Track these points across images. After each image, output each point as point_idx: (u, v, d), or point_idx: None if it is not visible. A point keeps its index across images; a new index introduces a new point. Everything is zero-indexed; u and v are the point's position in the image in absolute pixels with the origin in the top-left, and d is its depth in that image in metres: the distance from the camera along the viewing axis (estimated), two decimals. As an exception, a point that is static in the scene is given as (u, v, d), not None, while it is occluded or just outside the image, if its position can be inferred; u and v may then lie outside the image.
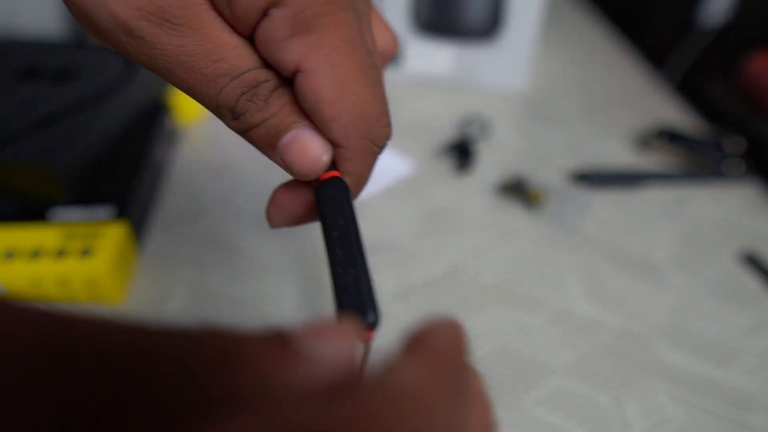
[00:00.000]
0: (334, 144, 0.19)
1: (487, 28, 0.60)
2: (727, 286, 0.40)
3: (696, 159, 0.52)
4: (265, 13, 0.17)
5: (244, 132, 0.19)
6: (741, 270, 0.42)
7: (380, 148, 0.20)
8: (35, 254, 0.35)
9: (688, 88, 0.86)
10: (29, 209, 0.38)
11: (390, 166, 0.50)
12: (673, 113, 0.62)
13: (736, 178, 0.51)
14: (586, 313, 0.37)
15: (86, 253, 0.35)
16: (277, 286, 0.39)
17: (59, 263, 0.34)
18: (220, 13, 0.17)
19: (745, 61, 0.61)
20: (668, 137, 0.54)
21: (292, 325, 0.13)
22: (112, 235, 0.36)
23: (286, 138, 0.19)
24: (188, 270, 0.39)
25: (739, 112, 0.59)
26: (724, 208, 0.48)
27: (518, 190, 0.47)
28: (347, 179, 0.20)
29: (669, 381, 0.33)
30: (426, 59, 0.63)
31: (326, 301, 0.38)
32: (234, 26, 0.17)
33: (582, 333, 0.36)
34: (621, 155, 0.54)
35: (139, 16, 0.16)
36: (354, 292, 0.17)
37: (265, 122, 0.18)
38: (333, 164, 0.20)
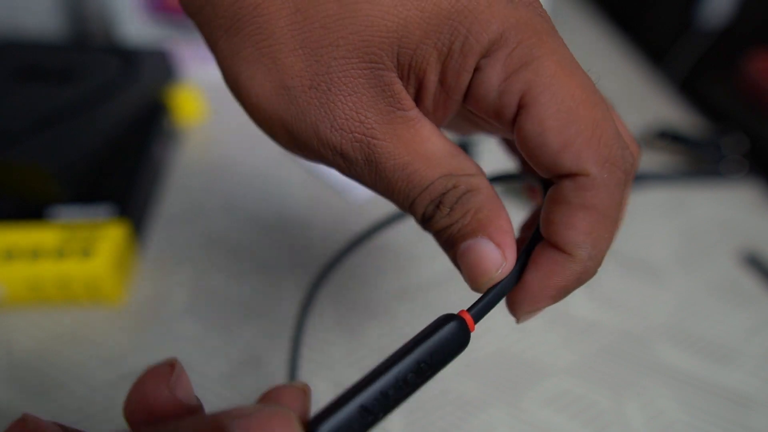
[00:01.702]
0: (572, 174, 0.16)
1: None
2: (727, 286, 0.40)
3: (696, 159, 0.52)
4: (477, 68, 0.16)
5: (432, 233, 0.19)
6: (741, 270, 0.41)
7: (625, 174, 0.16)
8: (35, 254, 0.35)
9: (689, 88, 0.86)
10: (29, 209, 0.38)
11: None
12: (674, 113, 0.62)
13: (736, 178, 0.51)
14: (586, 314, 0.37)
15: (86, 253, 0.35)
16: (277, 286, 0.39)
17: (59, 263, 0.34)
18: (424, 90, 0.17)
19: (745, 61, 0.61)
20: (668, 137, 0.54)
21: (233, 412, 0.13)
22: (112, 235, 0.36)
23: (463, 246, 0.18)
24: (188, 270, 0.39)
25: (740, 112, 0.59)
26: (724, 208, 0.48)
27: (518, 190, 0.47)
28: (587, 212, 0.16)
29: (669, 381, 0.33)
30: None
31: (326, 301, 0.38)
32: (446, 99, 0.17)
33: (582, 333, 0.36)
34: (621, 155, 0.54)
35: (351, 140, 0.18)
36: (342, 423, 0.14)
37: (447, 228, 0.18)
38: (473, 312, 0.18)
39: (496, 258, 0.17)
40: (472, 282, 0.18)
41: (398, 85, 0.17)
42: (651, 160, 0.54)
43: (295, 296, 0.38)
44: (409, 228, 0.44)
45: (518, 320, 0.19)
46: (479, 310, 0.17)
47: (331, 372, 0.33)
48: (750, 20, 0.74)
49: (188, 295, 0.38)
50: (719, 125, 0.61)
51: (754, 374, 0.34)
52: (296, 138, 0.18)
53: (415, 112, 0.18)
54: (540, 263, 0.17)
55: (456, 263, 0.19)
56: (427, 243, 0.43)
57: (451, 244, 0.18)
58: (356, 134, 0.18)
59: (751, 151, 0.56)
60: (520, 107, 0.16)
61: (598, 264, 0.17)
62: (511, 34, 0.16)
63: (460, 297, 0.38)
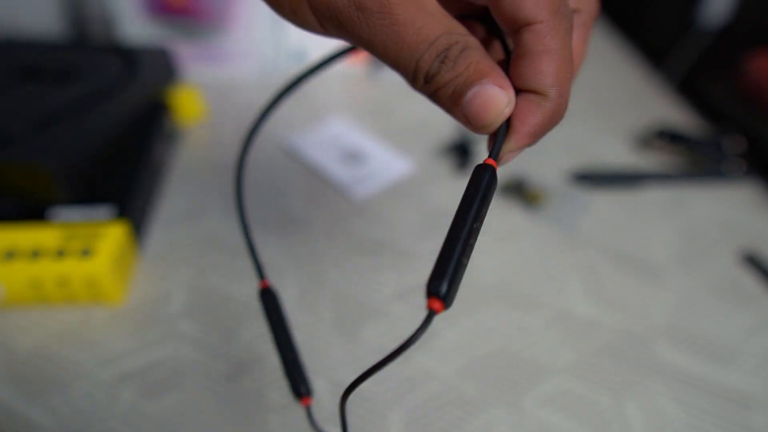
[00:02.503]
0: (528, 23, 0.20)
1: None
2: (727, 286, 0.40)
3: (696, 159, 0.52)
4: None
5: (433, 93, 0.21)
6: (741, 270, 0.42)
7: (570, 23, 0.21)
8: (35, 254, 0.35)
9: (688, 88, 0.86)
10: (29, 209, 0.38)
11: (390, 166, 0.50)
12: (673, 113, 0.62)
13: (736, 178, 0.51)
14: (585, 313, 0.37)
15: (86, 253, 0.35)
16: (277, 286, 0.39)
17: (59, 263, 0.34)
18: None
19: (745, 61, 0.61)
20: (668, 137, 0.54)
21: None
22: (112, 235, 0.36)
23: (470, 93, 0.20)
24: (188, 270, 0.39)
25: (739, 112, 0.59)
26: (724, 208, 0.48)
27: (518, 190, 0.47)
28: (549, 57, 0.20)
29: (669, 381, 0.33)
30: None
31: (325, 300, 0.38)
32: None
33: (582, 333, 0.36)
34: (621, 155, 0.54)
35: None
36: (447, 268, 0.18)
37: (452, 81, 0.20)
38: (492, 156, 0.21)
39: (503, 96, 0.20)
40: (483, 123, 0.21)
41: None
42: (651, 160, 0.54)
43: (295, 296, 0.38)
44: (410, 228, 0.44)
45: (503, 161, 0.22)
46: (496, 153, 0.21)
47: (330, 372, 0.33)
48: (750, 20, 0.74)
49: (188, 295, 0.38)
50: (719, 125, 0.61)
51: (754, 374, 0.34)
52: None
53: None
54: (520, 107, 0.21)
55: (460, 115, 0.21)
56: (427, 243, 0.43)
57: (458, 95, 0.21)
58: None
59: (750, 151, 0.56)
60: None
61: (566, 101, 0.21)
62: None
63: (460, 297, 0.38)
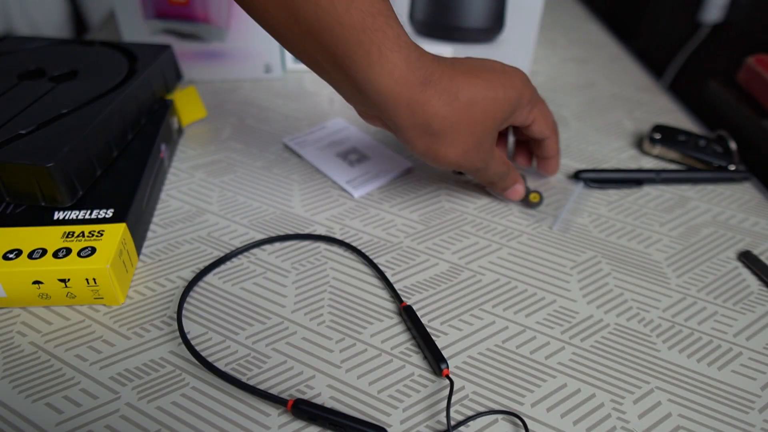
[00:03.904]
0: (548, 137, 0.45)
1: (486, 32, 0.60)
2: (727, 285, 0.40)
3: (696, 159, 0.52)
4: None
5: (498, 186, 0.45)
6: (740, 270, 0.42)
7: (557, 134, 0.46)
8: (36, 254, 0.35)
9: (687, 88, 0.86)
10: (30, 209, 0.38)
11: (390, 166, 0.50)
12: (673, 113, 0.62)
13: (736, 178, 0.51)
14: (585, 313, 0.37)
15: (87, 253, 0.35)
16: (277, 285, 0.39)
17: (60, 263, 0.34)
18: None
19: (744, 61, 0.61)
20: (667, 137, 0.54)
21: None
22: (112, 235, 0.36)
23: (511, 188, 0.45)
24: (188, 270, 0.39)
25: (739, 112, 0.59)
26: (723, 208, 0.48)
27: None
28: (556, 152, 0.47)
29: (668, 381, 0.33)
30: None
31: (326, 300, 0.38)
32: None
33: (582, 332, 0.36)
34: (621, 155, 0.54)
35: (464, 160, 0.39)
36: None
37: (505, 181, 0.44)
38: None
39: (523, 188, 0.46)
40: (513, 199, 0.46)
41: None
42: (651, 160, 0.54)
43: (295, 296, 0.38)
44: (410, 228, 0.44)
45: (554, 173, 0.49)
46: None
47: (330, 372, 0.33)
48: (749, 21, 0.74)
49: (188, 294, 0.38)
50: (718, 125, 0.61)
51: (754, 374, 0.34)
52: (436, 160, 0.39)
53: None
54: (544, 165, 0.48)
55: (500, 196, 0.47)
56: (427, 243, 0.43)
57: (506, 187, 0.46)
58: (472, 159, 0.40)
59: (749, 151, 0.56)
60: (534, 120, 0.43)
61: (559, 160, 0.49)
62: (532, 94, 0.42)
63: (460, 297, 0.38)
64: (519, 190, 0.45)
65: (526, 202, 0.47)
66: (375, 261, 0.40)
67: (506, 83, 0.38)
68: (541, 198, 0.46)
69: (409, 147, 0.38)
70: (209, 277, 0.39)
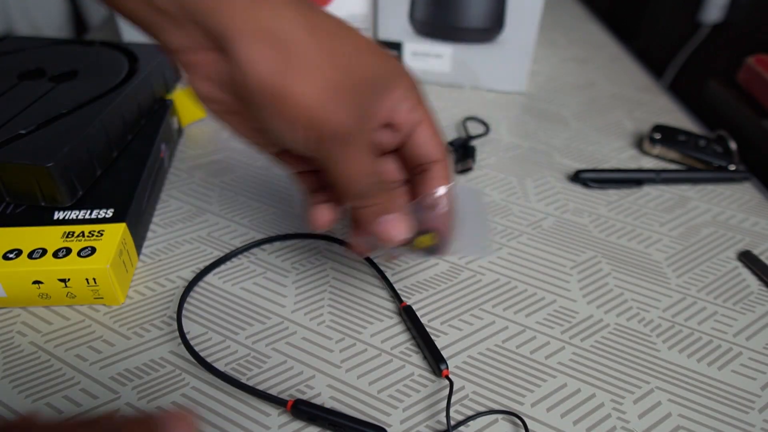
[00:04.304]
0: (437, 161, 0.31)
1: (486, 32, 0.60)
2: (727, 285, 0.40)
3: (696, 159, 0.52)
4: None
5: (361, 208, 0.29)
6: (740, 270, 0.42)
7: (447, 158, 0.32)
8: (36, 254, 0.35)
9: (687, 88, 0.86)
10: (30, 209, 0.38)
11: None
12: (673, 113, 0.62)
13: (736, 178, 0.51)
14: (585, 313, 0.37)
15: (87, 252, 0.35)
16: (277, 285, 0.39)
17: (60, 263, 0.34)
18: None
19: (744, 61, 0.61)
20: (667, 137, 0.54)
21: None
22: (112, 235, 0.36)
23: (385, 218, 0.29)
24: (188, 270, 0.39)
25: (738, 112, 0.59)
26: (723, 208, 0.48)
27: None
28: (447, 182, 0.32)
29: (668, 381, 0.33)
30: (426, 59, 0.63)
31: (326, 300, 0.38)
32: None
33: (582, 332, 0.36)
34: (621, 155, 0.54)
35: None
36: None
37: (376, 206, 0.29)
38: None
39: (404, 228, 0.30)
40: (386, 241, 0.30)
41: None
42: (651, 160, 0.54)
43: (295, 295, 0.38)
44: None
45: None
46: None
47: (330, 371, 0.33)
48: (749, 21, 0.74)
49: (188, 294, 0.38)
50: (718, 125, 0.61)
51: (754, 374, 0.34)
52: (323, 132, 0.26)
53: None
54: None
55: (371, 229, 0.30)
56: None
57: (376, 215, 0.30)
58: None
59: (749, 151, 0.56)
60: (419, 123, 0.30)
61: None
62: (413, 87, 0.30)
63: (460, 297, 0.38)
64: (396, 224, 0.29)
65: (410, 246, 0.32)
66: (375, 261, 0.40)
67: (379, 50, 0.28)
68: (438, 240, 0.32)
69: (246, 80, 0.25)
70: (209, 277, 0.39)
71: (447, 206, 0.31)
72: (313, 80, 0.25)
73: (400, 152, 0.32)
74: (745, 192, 0.50)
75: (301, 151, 0.27)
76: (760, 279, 0.41)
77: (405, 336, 0.35)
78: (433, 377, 0.33)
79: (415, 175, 0.32)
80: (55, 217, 0.37)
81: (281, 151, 0.31)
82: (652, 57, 0.91)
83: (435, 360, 0.33)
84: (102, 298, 0.36)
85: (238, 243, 0.42)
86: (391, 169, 0.33)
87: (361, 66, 0.26)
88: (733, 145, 0.53)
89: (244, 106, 0.26)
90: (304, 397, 0.32)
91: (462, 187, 0.34)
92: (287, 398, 0.31)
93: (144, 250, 0.41)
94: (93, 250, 0.35)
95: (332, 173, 0.27)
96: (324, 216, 0.31)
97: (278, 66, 0.24)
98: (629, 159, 0.54)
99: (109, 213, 0.38)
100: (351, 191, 0.28)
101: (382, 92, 0.28)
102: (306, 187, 0.32)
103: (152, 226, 0.43)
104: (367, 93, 0.27)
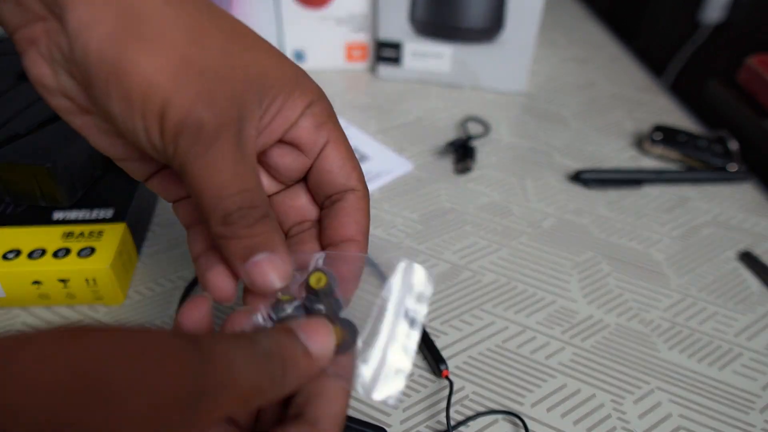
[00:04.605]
0: (351, 190, 0.26)
1: (486, 32, 0.60)
2: (727, 286, 0.40)
3: (696, 159, 0.52)
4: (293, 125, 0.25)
5: (226, 238, 0.21)
6: (741, 270, 0.42)
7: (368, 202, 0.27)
8: (35, 254, 0.35)
9: (688, 88, 0.86)
10: (30, 209, 0.38)
11: (390, 166, 0.50)
12: (673, 113, 0.62)
13: (736, 178, 0.51)
14: (585, 313, 0.37)
15: (86, 253, 0.35)
16: (277, 286, 0.39)
17: (59, 263, 0.34)
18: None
19: (744, 61, 0.61)
20: (667, 137, 0.54)
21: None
22: (112, 235, 0.36)
23: (259, 257, 0.21)
24: (188, 270, 0.39)
25: (739, 112, 0.59)
26: (724, 208, 0.48)
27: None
28: (363, 215, 0.26)
29: (669, 381, 0.33)
30: (425, 59, 0.63)
31: (326, 301, 0.38)
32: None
33: (582, 333, 0.36)
34: (621, 155, 0.54)
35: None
36: None
37: (248, 238, 0.21)
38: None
39: (282, 273, 0.23)
40: (259, 287, 0.23)
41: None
42: (650, 160, 0.54)
43: (295, 296, 0.38)
44: (410, 228, 0.44)
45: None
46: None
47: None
48: (749, 21, 0.74)
49: (188, 294, 0.37)
50: (718, 125, 0.61)
51: (754, 374, 0.34)
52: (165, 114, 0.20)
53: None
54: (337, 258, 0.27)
55: (240, 270, 0.23)
56: (427, 243, 0.43)
57: (247, 253, 0.23)
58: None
59: (749, 151, 0.56)
60: (328, 142, 0.25)
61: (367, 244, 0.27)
62: (319, 100, 0.25)
63: (460, 297, 0.38)
64: (274, 261, 0.22)
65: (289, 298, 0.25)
66: (374, 261, 0.40)
67: (280, 54, 0.24)
68: (329, 282, 0.25)
69: (82, 49, 0.20)
70: (209, 277, 0.39)
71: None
72: (165, 53, 0.20)
73: (309, 182, 0.26)
74: (745, 192, 0.50)
75: (159, 154, 0.21)
76: (761, 279, 0.41)
77: (405, 336, 0.35)
78: (433, 377, 0.33)
79: (324, 209, 0.26)
80: (55, 217, 0.37)
81: (155, 170, 0.25)
82: (653, 57, 0.91)
83: (435, 360, 0.33)
84: (102, 298, 0.36)
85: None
86: (299, 204, 0.27)
87: (243, 60, 0.22)
88: (733, 146, 0.53)
89: (89, 97, 0.21)
90: (304, 398, 0.32)
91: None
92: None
93: (144, 250, 0.41)
94: (93, 250, 0.35)
95: (190, 181, 0.21)
96: (225, 284, 0.23)
97: (118, 32, 0.20)
98: (629, 159, 0.54)
99: (109, 213, 0.38)
100: (213, 210, 0.21)
101: (270, 93, 0.23)
102: (188, 224, 0.25)
103: (152, 226, 0.43)
104: (249, 89, 0.22)
